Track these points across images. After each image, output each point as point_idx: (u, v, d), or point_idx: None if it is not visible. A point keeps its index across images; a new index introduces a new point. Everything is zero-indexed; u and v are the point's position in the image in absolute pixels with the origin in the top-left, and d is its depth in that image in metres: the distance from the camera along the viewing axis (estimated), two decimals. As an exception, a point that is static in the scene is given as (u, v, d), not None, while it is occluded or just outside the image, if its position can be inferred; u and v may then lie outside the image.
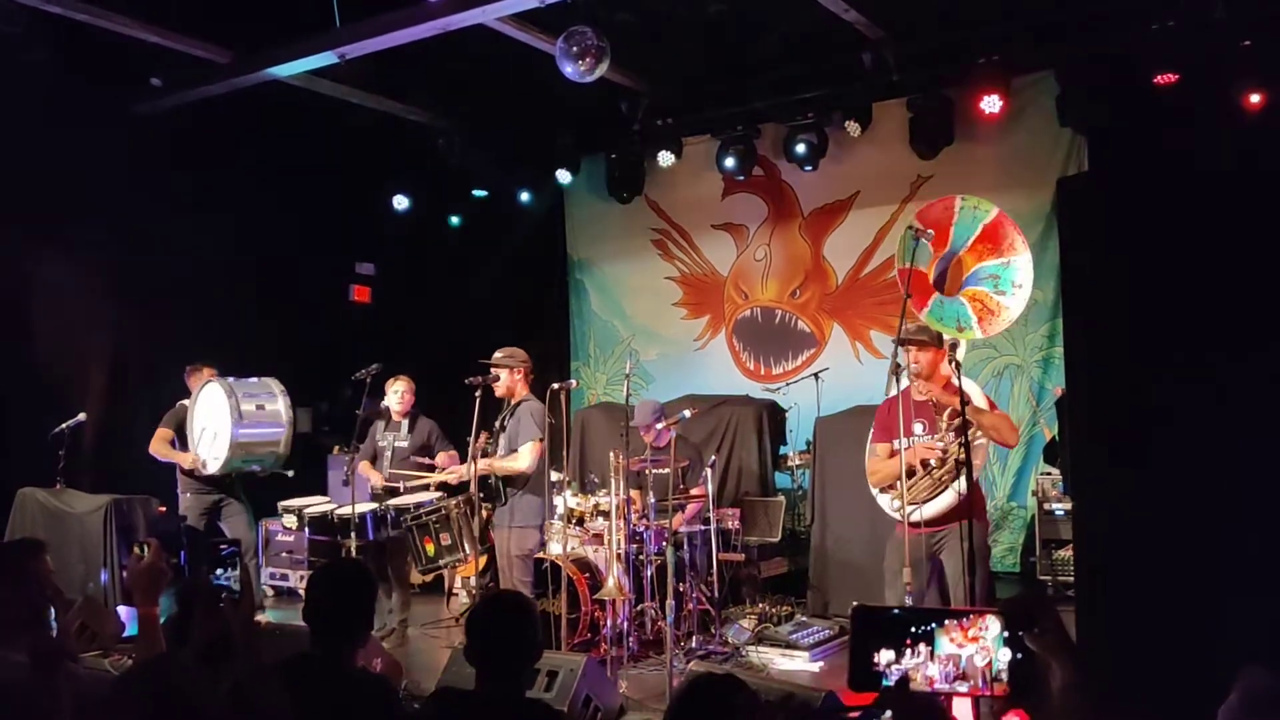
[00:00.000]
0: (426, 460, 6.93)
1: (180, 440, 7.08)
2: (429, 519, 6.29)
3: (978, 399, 4.80)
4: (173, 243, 8.11)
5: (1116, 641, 3.66)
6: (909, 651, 1.30)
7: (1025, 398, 8.31)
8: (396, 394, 6.95)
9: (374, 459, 7.06)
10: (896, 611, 1.32)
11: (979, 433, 4.74)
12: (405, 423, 7.02)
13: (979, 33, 7.83)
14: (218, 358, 7.38)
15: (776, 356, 9.72)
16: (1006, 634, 1.29)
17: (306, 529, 6.86)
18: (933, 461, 4.74)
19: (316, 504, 6.91)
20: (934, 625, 1.30)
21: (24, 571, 2.88)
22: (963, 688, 1.28)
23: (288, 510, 6.89)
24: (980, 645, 1.28)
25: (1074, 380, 4.55)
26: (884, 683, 1.30)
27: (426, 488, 6.71)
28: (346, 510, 6.47)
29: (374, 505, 6.62)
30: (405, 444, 6.97)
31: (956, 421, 4.65)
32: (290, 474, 7.27)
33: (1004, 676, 1.28)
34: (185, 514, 7.08)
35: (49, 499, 6.99)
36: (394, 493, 6.78)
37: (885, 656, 1.30)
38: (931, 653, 1.29)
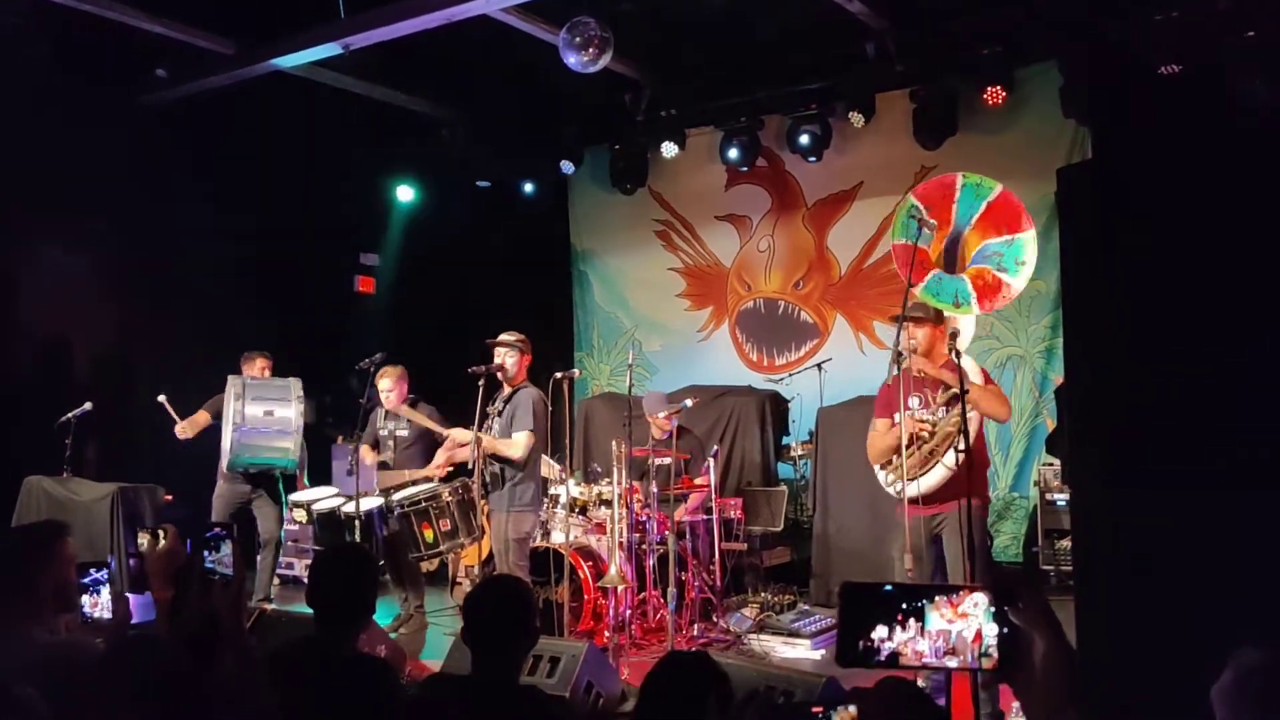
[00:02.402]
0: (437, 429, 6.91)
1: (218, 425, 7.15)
2: (428, 505, 6.33)
3: (973, 374, 4.79)
4: (177, 233, 8.15)
5: (1115, 630, 3.68)
6: (899, 627, 1.32)
7: (1028, 388, 8.33)
8: (383, 391, 6.95)
9: (375, 445, 7.09)
10: (887, 588, 1.34)
11: (968, 406, 4.75)
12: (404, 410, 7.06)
13: (982, 23, 7.83)
14: (221, 348, 7.44)
15: (779, 347, 9.74)
16: (993, 609, 1.31)
17: (315, 524, 6.89)
18: (925, 434, 4.74)
19: (324, 499, 6.93)
20: (924, 601, 1.32)
21: (52, 551, 2.94)
22: (953, 662, 1.31)
23: (297, 505, 6.93)
24: (969, 621, 1.31)
25: (1072, 371, 4.57)
26: (875, 659, 1.32)
27: (429, 479, 6.75)
28: (351, 506, 6.51)
29: (380, 501, 6.65)
30: (406, 433, 6.99)
31: (946, 395, 4.70)
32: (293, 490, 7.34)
33: (993, 651, 1.31)
34: (215, 502, 7.14)
35: (55, 487, 7.03)
36: (400, 486, 6.81)
37: (879, 633, 1.32)
38: (922, 628, 1.32)
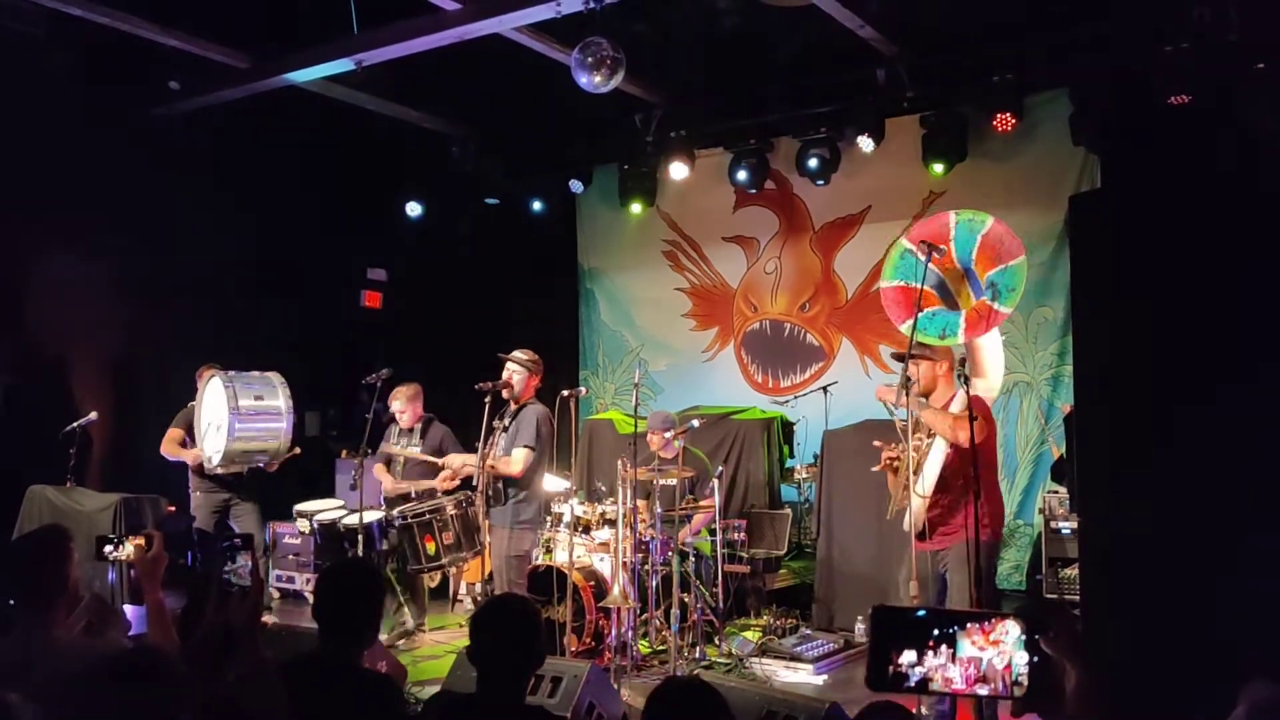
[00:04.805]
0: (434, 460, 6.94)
1: (192, 441, 7.13)
2: (431, 517, 6.32)
3: (957, 405, 4.80)
4: (186, 245, 8.17)
5: (1121, 655, 3.66)
6: (930, 653, 1.31)
7: (1034, 416, 8.31)
8: (398, 410, 6.98)
9: (389, 463, 7.10)
10: (920, 613, 1.33)
11: (930, 432, 4.79)
12: (418, 429, 7.06)
13: (993, 50, 7.86)
14: (229, 361, 7.43)
15: (785, 369, 9.73)
16: (1025, 638, 1.30)
17: (316, 535, 6.88)
18: (895, 465, 4.85)
19: (328, 510, 6.92)
20: (956, 628, 1.31)
21: (68, 553, 2.99)
22: (983, 690, 1.30)
23: (301, 515, 6.90)
24: (1000, 649, 1.30)
25: (1082, 395, 4.57)
26: (905, 684, 1.31)
27: (434, 493, 6.74)
28: (353, 519, 6.53)
29: (380, 514, 6.63)
30: (418, 449, 7.00)
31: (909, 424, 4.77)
32: (298, 451, 7.28)
33: (1023, 680, 1.30)
34: (195, 513, 7.12)
35: (58, 496, 7.03)
36: (406, 499, 6.80)
37: (907, 657, 1.31)
38: (953, 655, 1.30)
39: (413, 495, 6.80)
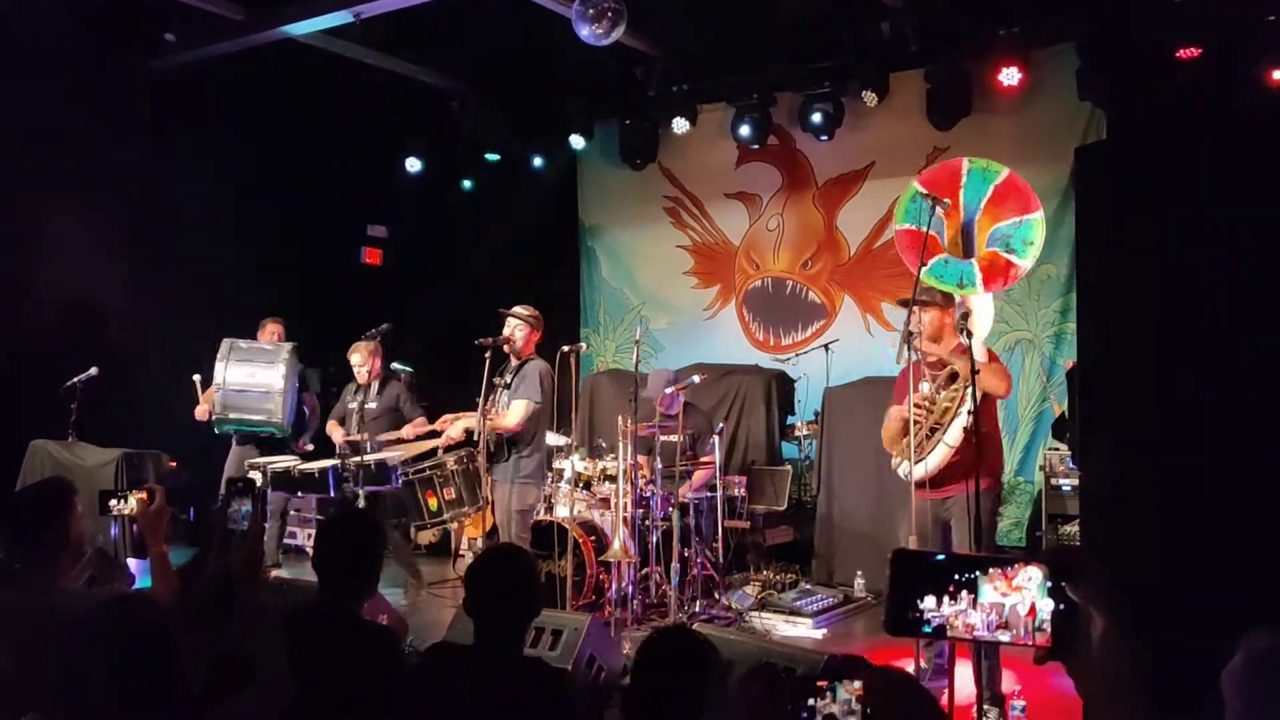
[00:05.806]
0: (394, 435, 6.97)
1: None
2: (433, 473, 6.31)
3: (978, 354, 4.77)
4: (185, 201, 8.11)
5: (1122, 612, 3.67)
6: (950, 598, 1.29)
7: (1036, 373, 8.30)
8: (356, 365, 6.96)
9: (343, 420, 7.07)
10: (939, 557, 1.31)
11: (965, 383, 4.74)
12: (375, 385, 7.04)
13: (999, 4, 7.75)
14: (228, 316, 7.42)
15: (786, 327, 9.70)
16: (1050, 584, 1.28)
17: (270, 486, 6.86)
18: (922, 414, 4.76)
19: (282, 460, 6.92)
20: (978, 573, 1.29)
21: (73, 503, 3.02)
22: (1005, 636, 1.28)
23: (254, 466, 6.89)
24: (1024, 595, 1.28)
25: (1085, 351, 4.55)
26: (923, 629, 1.29)
27: (399, 442, 6.76)
28: (308, 466, 6.61)
29: (335, 461, 6.61)
30: (374, 405, 6.98)
31: (945, 373, 4.75)
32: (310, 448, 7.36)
33: (1046, 627, 1.28)
34: (228, 465, 7.21)
35: (60, 451, 7.05)
36: (356, 449, 6.77)
37: (927, 602, 1.29)
38: (974, 600, 1.29)
39: (368, 447, 6.74)
